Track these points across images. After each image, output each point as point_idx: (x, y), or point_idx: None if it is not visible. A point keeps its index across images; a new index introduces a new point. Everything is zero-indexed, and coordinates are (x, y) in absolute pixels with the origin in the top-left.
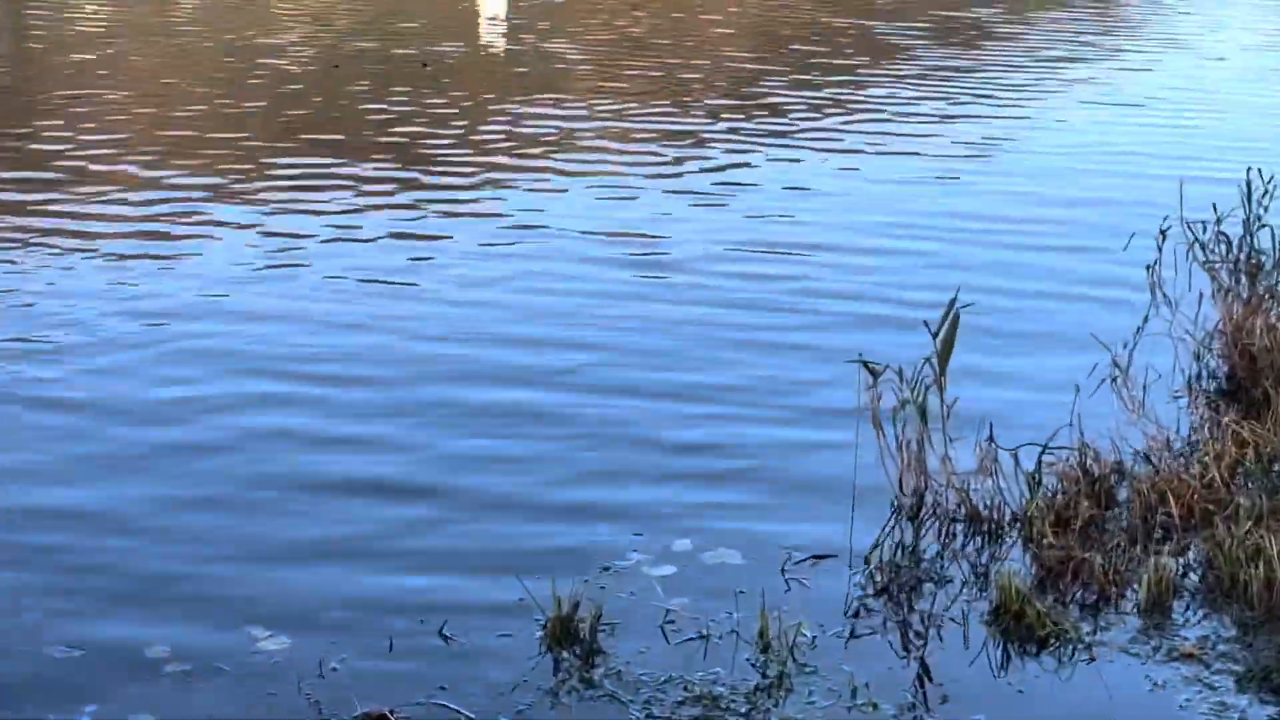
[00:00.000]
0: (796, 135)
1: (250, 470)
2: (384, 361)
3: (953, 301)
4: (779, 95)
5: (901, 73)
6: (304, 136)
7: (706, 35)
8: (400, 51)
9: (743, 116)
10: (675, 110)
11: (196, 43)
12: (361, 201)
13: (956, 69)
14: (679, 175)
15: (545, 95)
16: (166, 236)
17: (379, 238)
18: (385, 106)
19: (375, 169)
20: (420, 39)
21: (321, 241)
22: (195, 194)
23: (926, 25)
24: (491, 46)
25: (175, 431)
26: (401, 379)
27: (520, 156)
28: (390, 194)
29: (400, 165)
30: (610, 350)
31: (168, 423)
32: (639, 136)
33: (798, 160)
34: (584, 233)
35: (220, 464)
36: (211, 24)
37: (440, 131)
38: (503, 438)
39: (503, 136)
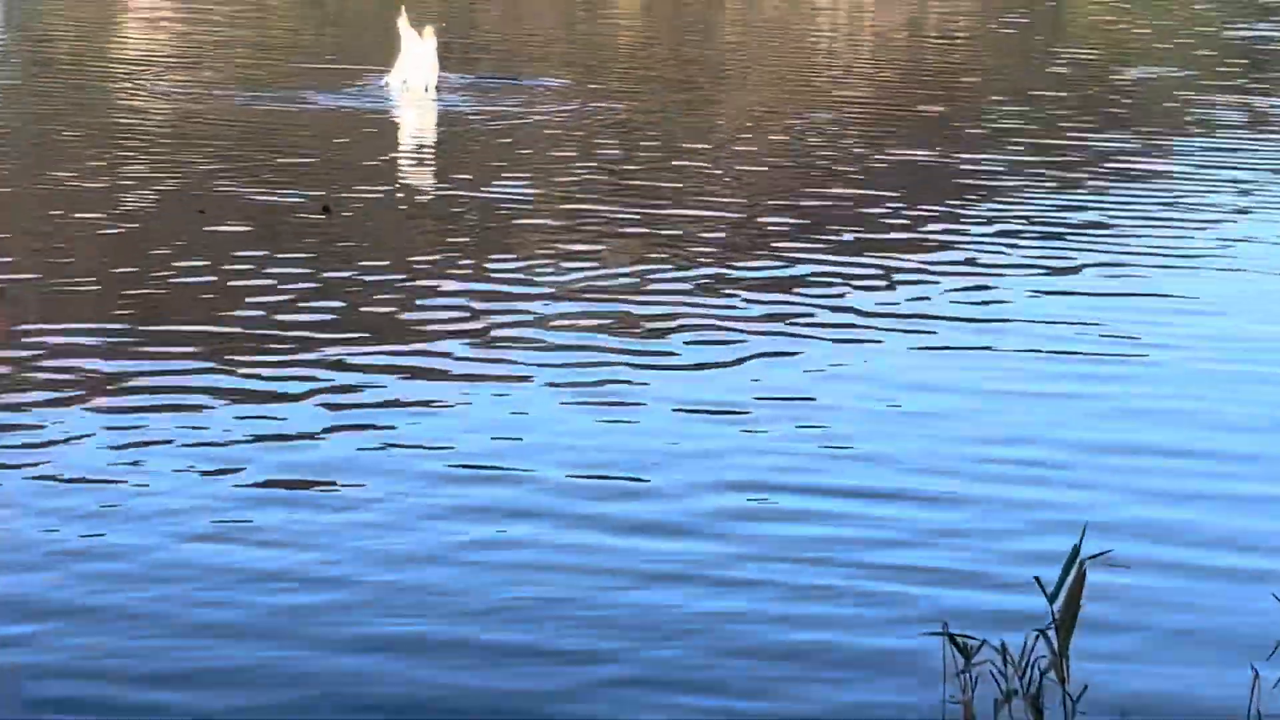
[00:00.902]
0: (851, 317)
1: None
2: (268, 683)
3: (1076, 550)
4: (824, 260)
5: (994, 226)
6: (153, 326)
7: (720, 173)
8: (287, 195)
9: (774, 290)
10: (681, 282)
11: None
12: (237, 426)
13: (1070, 222)
14: (690, 379)
15: (498, 261)
16: None
17: (262, 482)
18: (270, 274)
19: (256, 374)
20: (317, 178)
21: (172, 492)
22: None
23: (1023, 158)
24: (419, 190)
25: None
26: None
27: (466, 354)
28: (278, 414)
29: (295, 367)
30: (602, 662)
31: None
32: (632, 322)
33: (854, 355)
34: (559, 474)
35: None
36: (9, 159)
37: (349, 314)
38: None
39: (439, 321)
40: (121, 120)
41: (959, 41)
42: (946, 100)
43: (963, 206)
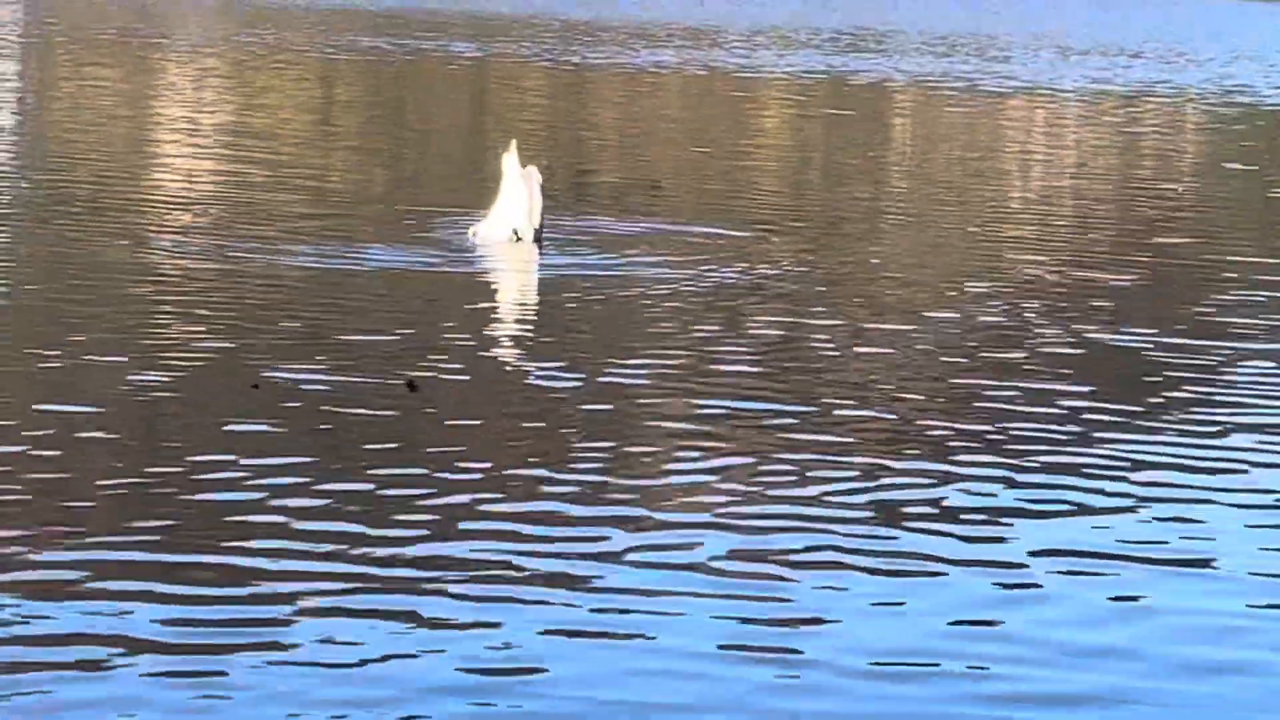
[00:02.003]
0: (1083, 563)
1: None
2: None
3: None
4: (1035, 481)
5: (1239, 428)
6: (192, 547)
7: (900, 361)
8: (359, 376)
9: (982, 521)
10: (860, 509)
11: None
12: (303, 688)
13: None
14: (875, 626)
15: (627, 470)
16: None
17: None
18: (337, 482)
19: (327, 619)
20: (393, 355)
21: None
22: None
23: (1266, 344)
24: (523, 372)
25: None
26: None
27: (592, 590)
28: (354, 666)
29: (373, 618)
30: None
31: None
32: (797, 558)
33: (1093, 589)
34: None
35: None
36: (7, 323)
37: (440, 535)
38: None
39: (555, 554)
40: (144, 277)
41: (1183, 191)
42: (1162, 268)
43: (1197, 404)
